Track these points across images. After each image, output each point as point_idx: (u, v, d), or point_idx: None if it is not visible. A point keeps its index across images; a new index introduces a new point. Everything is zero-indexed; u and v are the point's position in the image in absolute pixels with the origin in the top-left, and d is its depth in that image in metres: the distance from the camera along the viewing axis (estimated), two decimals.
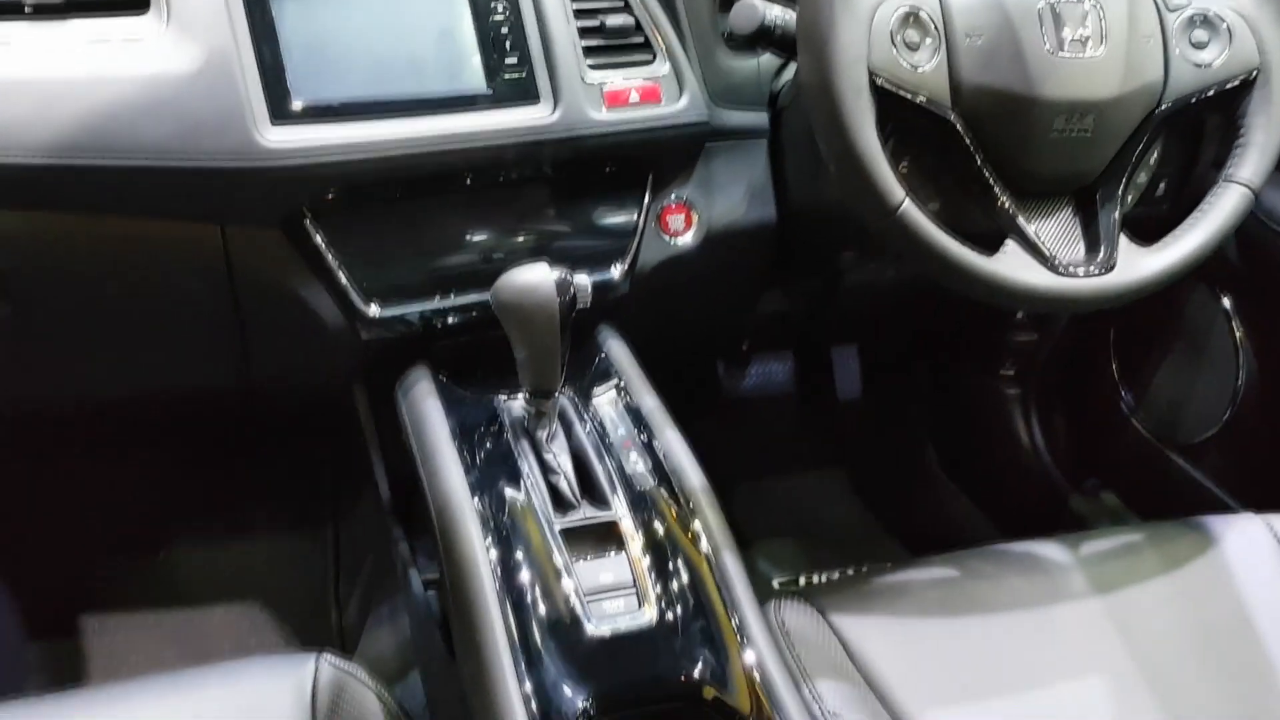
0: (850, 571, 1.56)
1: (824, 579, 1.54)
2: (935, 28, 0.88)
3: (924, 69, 0.87)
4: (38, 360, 1.06)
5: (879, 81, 0.85)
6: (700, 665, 0.76)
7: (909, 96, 0.87)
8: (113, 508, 1.45)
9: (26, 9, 0.89)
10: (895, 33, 0.86)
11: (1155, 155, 1.02)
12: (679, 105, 1.04)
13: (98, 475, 1.44)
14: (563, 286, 0.86)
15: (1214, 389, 1.34)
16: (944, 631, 0.93)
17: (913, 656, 0.91)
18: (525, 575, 0.80)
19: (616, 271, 1.07)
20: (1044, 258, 0.89)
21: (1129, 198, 0.97)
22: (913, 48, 0.87)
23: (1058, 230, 0.93)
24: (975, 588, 0.98)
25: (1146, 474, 1.45)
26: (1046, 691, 0.89)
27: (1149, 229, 0.96)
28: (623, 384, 1.01)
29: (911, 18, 0.87)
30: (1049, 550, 1.02)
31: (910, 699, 0.87)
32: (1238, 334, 1.30)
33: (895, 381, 1.82)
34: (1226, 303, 1.31)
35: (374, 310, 0.98)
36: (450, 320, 1.02)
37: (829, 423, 1.84)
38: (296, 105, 0.91)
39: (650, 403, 0.98)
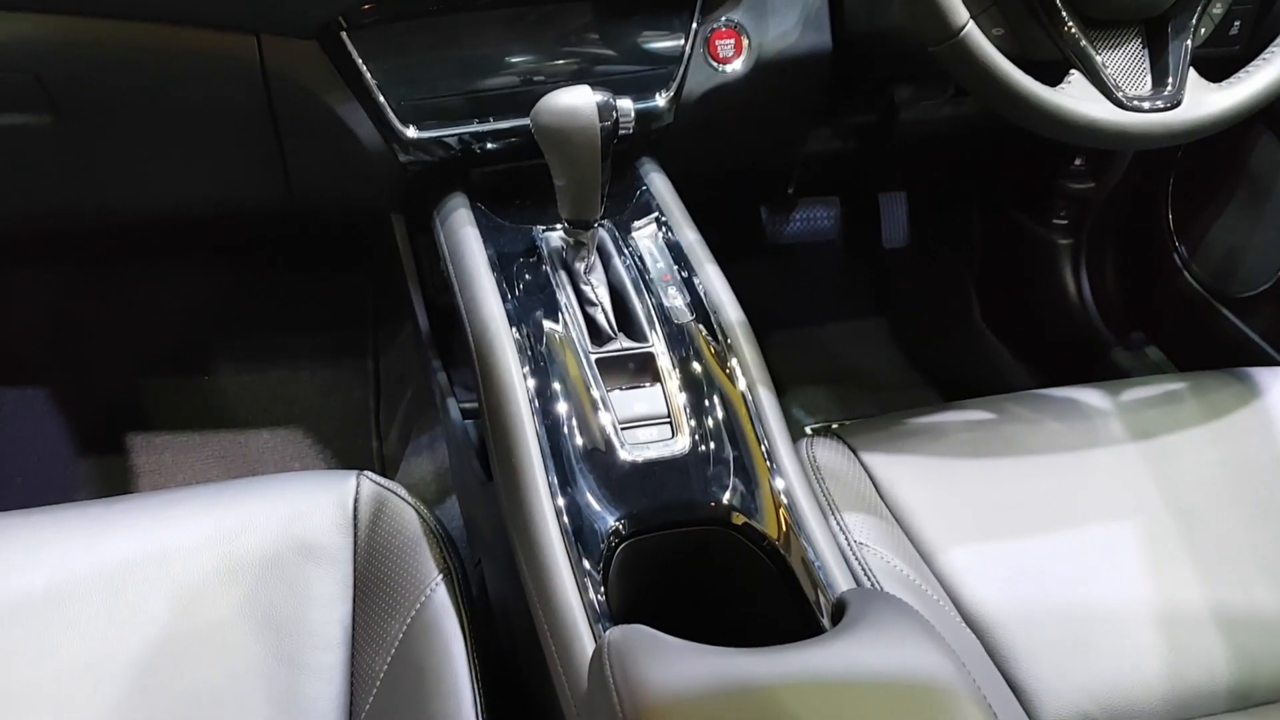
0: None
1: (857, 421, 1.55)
2: None
3: None
4: (81, 171, 1.06)
5: None
6: (730, 492, 0.77)
7: None
8: (161, 325, 1.48)
9: None
10: None
11: None
12: None
13: (145, 292, 1.46)
14: (605, 110, 0.83)
15: (1271, 241, 1.30)
16: (975, 472, 0.93)
17: (942, 494, 0.91)
18: (561, 402, 0.81)
19: (661, 99, 1.03)
20: (1108, 90, 0.85)
21: (1201, 30, 0.91)
22: None
23: (1125, 62, 0.88)
24: (1009, 430, 0.97)
25: (1194, 328, 1.42)
26: (1077, 531, 0.89)
27: (1219, 70, 0.91)
28: (663, 218, 0.99)
29: None
30: (1087, 395, 1.01)
31: (938, 534, 0.88)
32: None
33: (943, 230, 1.77)
34: None
35: (412, 132, 0.96)
36: (489, 145, 1.00)
37: (872, 270, 1.81)
38: None
39: (691, 237, 0.96)
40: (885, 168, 1.73)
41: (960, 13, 0.81)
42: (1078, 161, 1.55)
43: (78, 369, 1.46)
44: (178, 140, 1.03)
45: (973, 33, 0.81)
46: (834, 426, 1.02)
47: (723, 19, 1.05)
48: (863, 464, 0.94)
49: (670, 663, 0.55)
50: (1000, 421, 0.99)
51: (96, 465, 1.41)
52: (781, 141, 1.26)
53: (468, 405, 1.09)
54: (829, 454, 0.94)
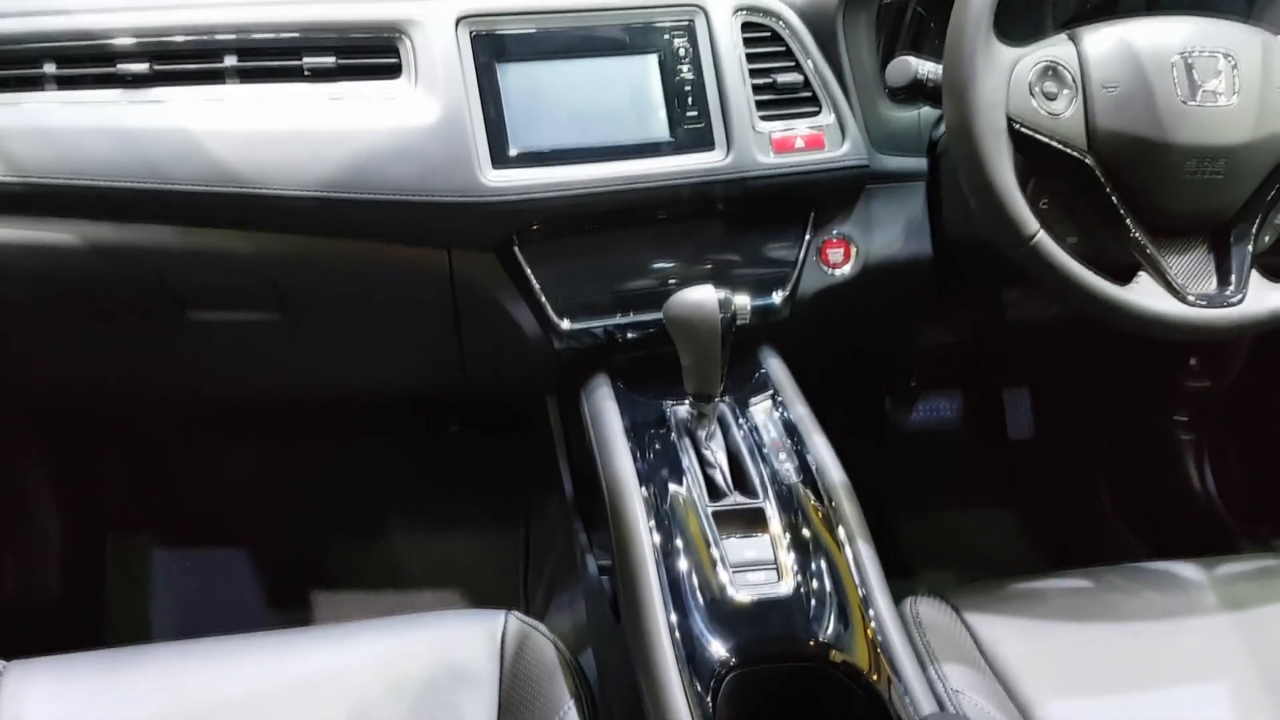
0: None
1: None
2: (1073, 79, 0.97)
3: (1062, 115, 0.96)
4: (298, 358, 1.29)
5: (1016, 126, 0.95)
6: (828, 631, 0.87)
7: (1046, 140, 0.96)
8: (345, 490, 1.69)
9: (306, 72, 1.10)
10: (1034, 84, 0.96)
11: None
12: (840, 151, 1.17)
13: (335, 461, 1.68)
14: (725, 304, 1.00)
15: None
16: (1073, 633, 0.99)
17: (1039, 651, 0.98)
18: (681, 548, 0.93)
19: (778, 297, 1.20)
20: (1174, 289, 0.96)
21: (1265, 237, 1.02)
22: (1050, 97, 0.96)
23: (1191, 265, 0.99)
24: (1110, 598, 1.03)
25: None
26: (1169, 692, 0.93)
27: None
28: (779, 396, 1.14)
29: (1050, 70, 0.96)
30: (1186, 569, 1.06)
31: (1034, 688, 0.94)
32: None
33: (1069, 424, 1.84)
34: None
35: (566, 324, 1.15)
36: (629, 335, 1.18)
37: (999, 461, 1.88)
38: (513, 152, 1.09)
39: (801, 411, 1.10)
40: (1006, 363, 1.83)
41: (1031, 223, 0.94)
42: (1193, 361, 1.62)
43: (267, 527, 1.68)
44: (380, 331, 1.25)
45: (1043, 239, 0.94)
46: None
47: (834, 231, 1.22)
48: (964, 621, 1.01)
49: None
50: (1100, 590, 1.05)
51: (283, 612, 1.60)
52: (892, 337, 1.40)
53: (604, 563, 1.22)
54: (931, 611, 1.02)
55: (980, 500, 1.85)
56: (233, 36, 1.08)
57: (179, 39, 1.08)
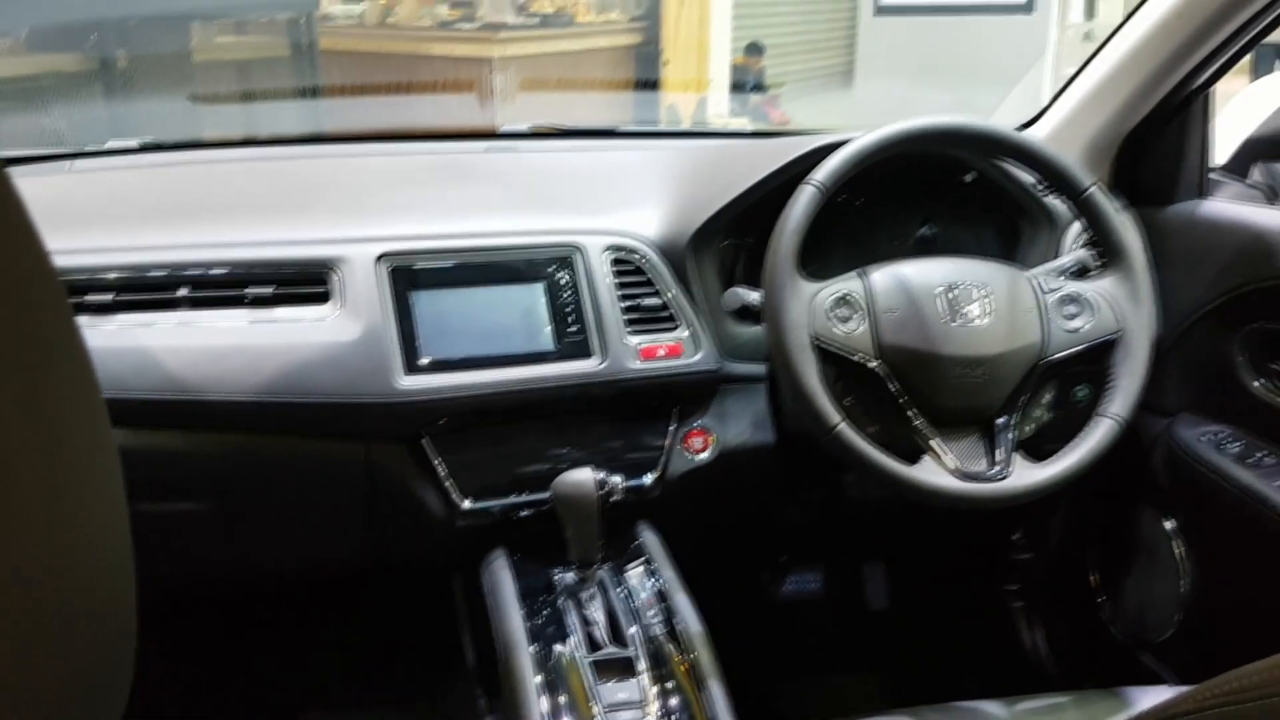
0: None
1: None
2: (862, 306, 1.25)
3: (854, 334, 1.23)
4: (225, 545, 1.44)
5: (818, 343, 1.21)
6: None
7: (843, 353, 1.23)
8: (251, 676, 1.79)
9: (247, 299, 1.31)
10: (831, 310, 1.23)
11: (1050, 395, 1.35)
12: (696, 358, 1.42)
13: (245, 645, 1.79)
14: (601, 483, 1.22)
15: (1168, 595, 1.58)
16: None
17: None
18: (562, 693, 1.11)
19: (649, 479, 1.42)
20: (951, 468, 1.21)
21: (1025, 427, 1.29)
22: (845, 320, 1.24)
23: (965, 449, 1.24)
24: None
25: (1123, 674, 1.66)
26: None
27: (1045, 449, 1.27)
28: (651, 563, 1.34)
29: (844, 299, 1.24)
30: (990, 706, 1.26)
31: None
32: (1178, 551, 1.56)
33: (919, 594, 2.07)
34: (1168, 525, 1.57)
35: (467, 504, 1.35)
36: (523, 512, 1.38)
37: (860, 630, 2.09)
38: (423, 361, 1.31)
39: (668, 574, 1.30)
40: (856, 538, 2.07)
41: (833, 416, 1.19)
42: (1016, 535, 1.88)
43: (184, 712, 1.76)
44: (301, 517, 1.42)
45: (844, 429, 1.19)
46: None
47: (695, 423, 1.46)
48: None
49: None
50: None
51: None
52: (752, 514, 1.63)
53: None
54: None
55: (844, 666, 2.04)
56: (189, 273, 1.30)
57: (146, 275, 1.29)
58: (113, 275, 1.28)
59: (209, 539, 1.42)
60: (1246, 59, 1.48)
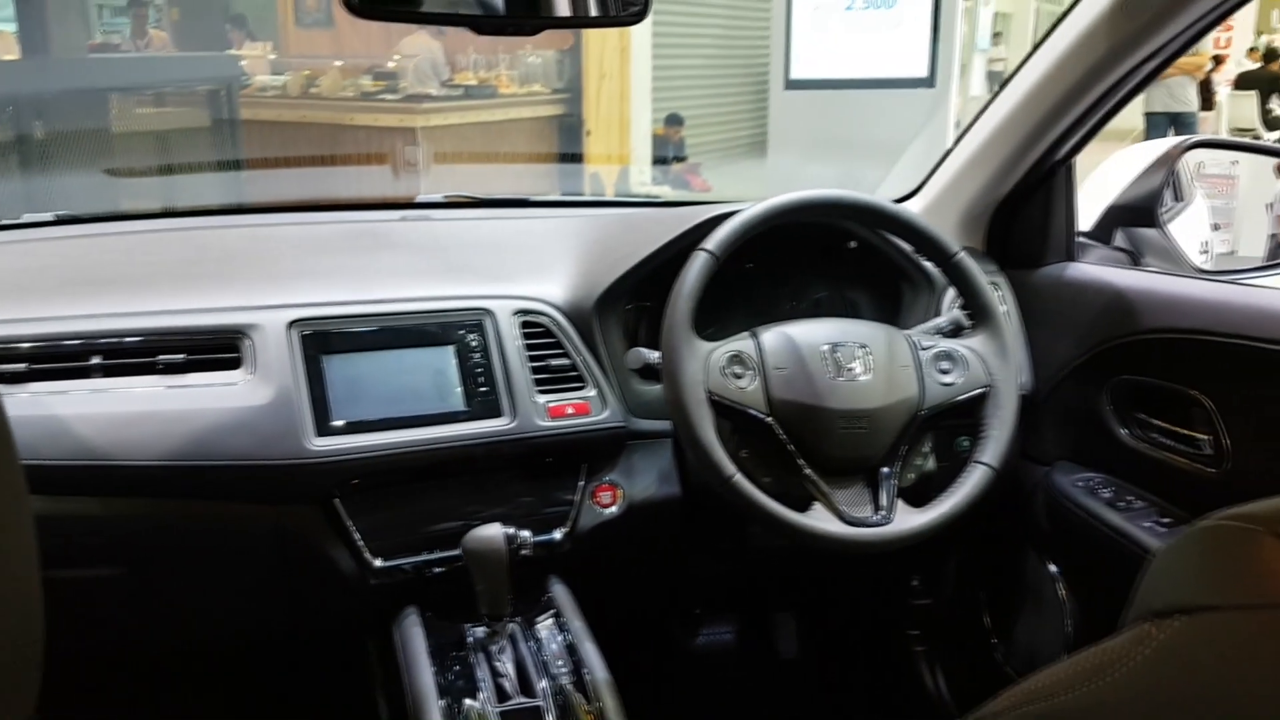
0: None
1: None
2: (754, 363, 1.33)
3: (747, 389, 1.31)
4: (136, 611, 1.45)
5: (714, 398, 1.29)
6: None
7: (737, 407, 1.30)
8: None
9: (159, 367, 1.34)
10: (725, 367, 1.31)
11: (929, 445, 1.44)
12: (603, 416, 1.48)
13: (151, 716, 1.77)
14: (510, 538, 1.27)
15: (1053, 634, 1.67)
16: None
17: None
18: None
19: (559, 533, 1.46)
20: (839, 514, 1.29)
21: (909, 475, 1.38)
22: (738, 376, 1.32)
23: (852, 496, 1.32)
24: None
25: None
26: None
27: (930, 497, 1.36)
28: (560, 616, 1.38)
29: (736, 358, 1.33)
30: None
31: None
32: (1061, 593, 1.65)
33: (828, 640, 2.14)
34: (1052, 568, 1.67)
35: (379, 562, 1.38)
36: (435, 569, 1.41)
37: (766, 680, 2.14)
38: (335, 423, 1.35)
39: (577, 625, 1.34)
40: (776, 589, 2.13)
41: (728, 466, 1.26)
42: (915, 582, 1.96)
43: None
44: (214, 580, 1.43)
45: (739, 479, 1.26)
46: None
47: (604, 478, 1.52)
48: None
49: None
50: None
51: None
52: (660, 565, 1.68)
53: None
54: None
55: (754, 715, 2.09)
56: (102, 342, 1.33)
57: (59, 344, 1.31)
58: (26, 345, 1.31)
59: (123, 605, 1.42)
60: (1140, 128, 1.62)
